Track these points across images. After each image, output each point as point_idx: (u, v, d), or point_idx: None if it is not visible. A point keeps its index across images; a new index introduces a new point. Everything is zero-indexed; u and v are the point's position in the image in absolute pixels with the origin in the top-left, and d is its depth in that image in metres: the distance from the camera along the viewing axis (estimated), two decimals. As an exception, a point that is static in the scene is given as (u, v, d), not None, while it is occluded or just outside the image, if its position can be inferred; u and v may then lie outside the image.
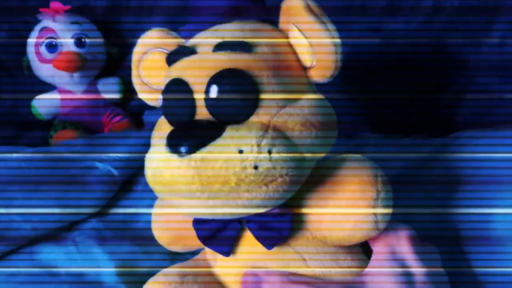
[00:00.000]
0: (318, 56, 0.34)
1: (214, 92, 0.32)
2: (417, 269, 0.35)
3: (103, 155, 0.56)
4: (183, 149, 0.30)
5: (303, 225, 0.36)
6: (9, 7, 0.76)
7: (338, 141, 0.58)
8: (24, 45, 0.74)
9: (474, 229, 0.44)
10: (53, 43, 0.72)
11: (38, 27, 0.73)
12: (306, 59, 0.35)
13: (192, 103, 0.33)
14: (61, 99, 0.75)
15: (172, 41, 0.39)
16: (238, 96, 0.32)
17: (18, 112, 0.75)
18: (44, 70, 0.73)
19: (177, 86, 0.34)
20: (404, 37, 0.64)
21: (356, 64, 0.63)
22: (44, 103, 0.75)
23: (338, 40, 0.33)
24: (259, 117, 0.32)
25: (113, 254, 0.47)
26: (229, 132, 0.31)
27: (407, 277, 0.34)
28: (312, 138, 0.33)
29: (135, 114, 0.78)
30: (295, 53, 0.36)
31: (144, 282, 0.39)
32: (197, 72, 0.33)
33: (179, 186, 0.31)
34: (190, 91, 0.33)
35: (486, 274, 0.42)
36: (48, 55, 0.72)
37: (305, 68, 0.36)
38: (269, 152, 0.31)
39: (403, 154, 0.54)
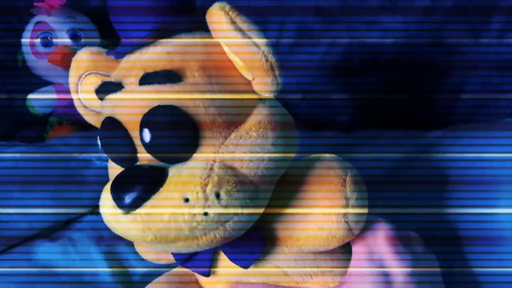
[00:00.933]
0: (253, 70, 0.31)
1: (147, 136, 0.30)
2: (396, 269, 0.34)
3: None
4: (127, 203, 0.28)
5: (277, 240, 0.35)
6: (4, 6, 0.76)
7: (335, 139, 0.58)
8: (19, 42, 0.73)
9: (467, 229, 0.44)
10: (48, 38, 0.71)
11: (33, 21, 0.72)
12: (244, 73, 0.32)
13: (130, 142, 0.31)
14: (57, 95, 0.74)
15: (103, 63, 0.37)
16: (174, 136, 0.29)
17: (14, 108, 0.75)
18: (40, 65, 0.73)
19: (112, 126, 0.31)
20: (401, 37, 0.64)
21: (352, 63, 0.63)
22: (40, 99, 0.74)
23: (264, 41, 0.30)
24: (204, 151, 0.30)
25: (110, 254, 0.47)
26: (172, 178, 0.29)
27: (385, 277, 0.34)
28: (266, 161, 0.31)
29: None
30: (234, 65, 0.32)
31: (140, 282, 0.39)
32: (126, 110, 0.31)
33: (133, 238, 0.31)
34: (126, 131, 0.31)
35: (480, 274, 0.42)
36: (43, 50, 0.71)
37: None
38: (217, 195, 0.29)
39: (395, 153, 0.54)
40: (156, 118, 0.29)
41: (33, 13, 0.72)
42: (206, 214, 0.28)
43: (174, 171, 0.29)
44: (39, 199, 0.50)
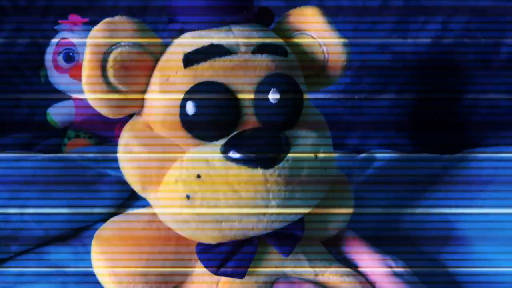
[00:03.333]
0: (331, 56, 0.35)
1: (272, 96, 0.31)
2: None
3: (115, 163, 0.58)
4: (266, 159, 0.29)
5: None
6: (29, 19, 0.79)
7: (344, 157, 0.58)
8: (42, 53, 0.77)
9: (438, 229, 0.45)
10: (70, 53, 0.74)
11: (56, 38, 0.76)
12: (320, 60, 0.35)
13: (236, 108, 0.31)
14: (76, 108, 0.76)
15: (149, 36, 0.31)
16: (292, 101, 0.32)
17: (34, 119, 0.77)
18: (61, 80, 0.75)
19: (213, 88, 0.30)
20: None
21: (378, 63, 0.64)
22: (59, 111, 0.77)
23: (347, 41, 0.34)
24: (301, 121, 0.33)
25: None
26: (299, 138, 0.31)
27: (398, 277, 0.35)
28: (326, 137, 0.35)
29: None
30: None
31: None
32: (242, 74, 0.31)
33: (255, 195, 0.29)
34: (232, 95, 0.30)
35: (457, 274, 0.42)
36: (65, 65, 0.74)
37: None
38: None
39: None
40: (277, 82, 0.31)
41: (57, 30, 0.75)
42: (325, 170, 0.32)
43: (293, 135, 0.32)
44: (55, 199, 0.51)
